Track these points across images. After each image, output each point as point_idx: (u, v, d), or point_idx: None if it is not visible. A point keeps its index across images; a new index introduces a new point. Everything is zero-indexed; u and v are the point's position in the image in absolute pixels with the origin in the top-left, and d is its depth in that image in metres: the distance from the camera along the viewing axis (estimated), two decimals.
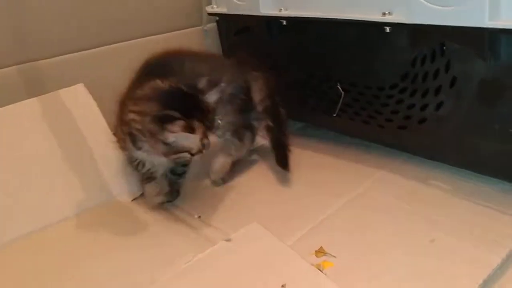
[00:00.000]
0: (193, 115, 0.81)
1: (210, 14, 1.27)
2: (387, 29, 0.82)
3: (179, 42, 1.34)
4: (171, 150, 0.82)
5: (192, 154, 0.83)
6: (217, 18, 1.25)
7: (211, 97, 0.85)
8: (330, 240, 0.79)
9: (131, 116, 0.83)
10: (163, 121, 0.78)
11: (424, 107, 0.85)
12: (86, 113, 1.12)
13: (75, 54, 1.21)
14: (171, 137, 0.80)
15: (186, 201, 0.99)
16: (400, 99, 0.88)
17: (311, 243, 0.79)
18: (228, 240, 0.82)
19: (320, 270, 0.74)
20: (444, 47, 0.77)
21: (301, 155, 1.11)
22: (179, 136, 0.80)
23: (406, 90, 0.86)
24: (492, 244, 0.72)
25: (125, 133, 0.87)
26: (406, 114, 0.89)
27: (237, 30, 1.20)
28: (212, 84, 0.85)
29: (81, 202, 1.00)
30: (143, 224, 0.93)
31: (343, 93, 0.97)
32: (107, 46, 1.26)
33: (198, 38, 1.41)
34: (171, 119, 0.78)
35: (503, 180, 0.82)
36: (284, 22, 1.03)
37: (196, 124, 0.81)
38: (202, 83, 0.85)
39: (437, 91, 0.81)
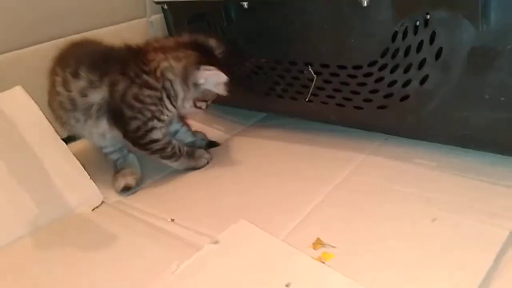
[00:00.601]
0: (219, 67, 0.91)
1: (156, 2, 1.18)
2: (364, 3, 0.78)
3: (122, 36, 1.25)
4: (199, 95, 0.94)
5: (207, 105, 0.97)
6: (165, 6, 1.16)
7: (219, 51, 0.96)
8: (325, 230, 0.74)
9: (164, 64, 0.91)
10: (201, 63, 0.89)
11: (406, 83, 0.82)
12: (28, 118, 1.00)
13: (8, 54, 1.09)
14: (202, 79, 0.90)
15: (150, 203, 0.92)
16: (380, 77, 0.84)
17: (304, 236, 0.74)
18: (216, 242, 0.74)
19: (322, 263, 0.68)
20: (428, 18, 0.73)
21: (270, 146, 1.06)
22: (209, 80, 0.91)
23: (386, 66, 0.83)
24: (496, 217, 0.70)
25: (159, 88, 0.91)
26: (386, 93, 0.85)
27: (189, 18, 1.11)
28: (220, 45, 0.96)
29: (34, 219, 0.89)
30: (111, 235, 0.84)
31: (315, 76, 0.92)
32: (43, 44, 1.13)
33: (143, 31, 1.32)
34: (208, 63, 0.89)
35: (492, 152, 0.80)
36: (246, 5, 0.96)
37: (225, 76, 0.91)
38: (211, 41, 0.96)
39: (421, 64, 0.78)
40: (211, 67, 0.89)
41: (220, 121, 1.24)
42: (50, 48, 1.12)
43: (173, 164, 0.99)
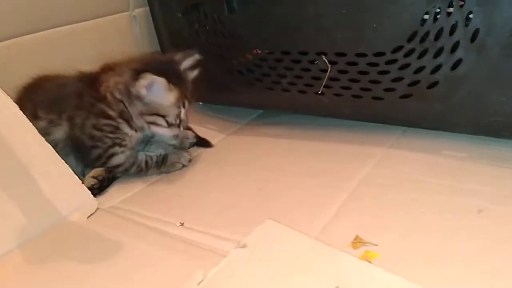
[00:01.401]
0: (170, 77, 0.84)
1: None
2: None
3: (103, 31, 1.16)
4: (145, 108, 0.85)
5: (168, 124, 0.87)
6: None
7: (187, 64, 0.90)
8: (360, 228, 0.68)
9: (111, 82, 0.85)
10: (138, 73, 0.82)
11: (436, 69, 0.77)
12: (6, 118, 0.88)
13: None
14: (142, 88, 0.83)
15: (150, 207, 0.83)
16: (405, 63, 0.79)
17: (339, 235, 0.67)
18: (243, 246, 0.66)
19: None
20: None
21: (273, 144, 1.00)
22: (152, 89, 0.83)
23: (413, 52, 0.78)
24: None
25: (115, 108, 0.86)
26: (412, 80, 0.80)
27: (184, 9, 1.03)
28: (187, 54, 0.90)
29: (22, 230, 0.78)
30: (115, 243, 0.74)
31: (329, 66, 0.86)
32: (20, 38, 1.02)
33: (125, 26, 1.22)
34: (146, 71, 0.81)
35: None
36: None
37: (172, 86, 0.84)
38: (178, 55, 0.90)
39: (454, 48, 0.73)
40: (148, 74, 0.81)
41: (213, 121, 1.17)
42: (28, 42, 1.03)
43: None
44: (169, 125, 0.88)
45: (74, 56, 1.09)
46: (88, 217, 0.83)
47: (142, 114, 0.86)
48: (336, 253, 0.63)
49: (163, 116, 0.87)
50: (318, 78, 0.90)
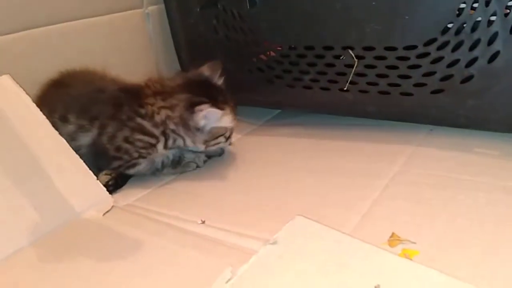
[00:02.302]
0: (216, 97, 0.85)
1: None
2: None
3: (116, 27, 1.14)
4: (208, 136, 0.86)
5: (227, 138, 0.88)
6: None
7: (218, 80, 0.90)
8: (396, 225, 0.65)
9: (164, 113, 0.84)
10: (192, 106, 0.82)
11: (471, 62, 0.74)
12: (20, 112, 0.86)
13: None
14: (201, 120, 0.83)
15: (168, 205, 0.79)
16: (438, 56, 0.76)
17: (373, 232, 0.64)
18: (273, 242, 0.62)
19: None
20: None
21: (293, 143, 0.98)
22: (209, 118, 0.83)
23: (448, 44, 0.75)
24: None
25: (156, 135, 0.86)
26: (444, 74, 0.77)
27: (202, 4, 1.00)
28: (215, 68, 0.90)
29: (36, 227, 0.74)
30: (135, 241, 0.70)
31: (356, 60, 0.83)
32: (34, 29, 0.99)
33: (138, 23, 1.19)
34: (199, 102, 0.81)
35: None
36: None
37: (221, 103, 0.85)
38: (205, 70, 0.89)
39: (492, 40, 0.70)
40: (203, 106, 0.82)
41: None
42: (42, 35, 1.00)
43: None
44: (227, 139, 0.89)
45: (86, 50, 1.06)
46: (104, 214, 0.78)
47: (206, 141, 0.86)
48: (374, 250, 0.59)
49: (224, 135, 0.87)
50: (343, 74, 0.87)
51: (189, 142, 0.86)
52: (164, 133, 0.86)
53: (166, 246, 0.68)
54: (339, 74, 0.88)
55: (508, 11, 0.69)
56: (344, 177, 0.79)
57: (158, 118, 0.85)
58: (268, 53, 0.97)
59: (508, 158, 0.76)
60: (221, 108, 0.83)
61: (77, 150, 0.84)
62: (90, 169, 0.83)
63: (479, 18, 0.71)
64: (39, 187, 0.78)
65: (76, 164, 0.83)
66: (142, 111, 0.85)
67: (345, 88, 0.87)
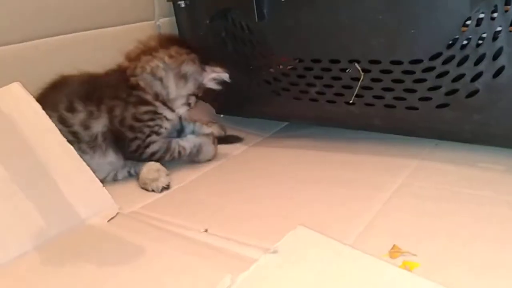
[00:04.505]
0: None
1: (173, 0, 1.08)
2: None
3: (127, 38, 1.15)
4: (189, 90, 0.91)
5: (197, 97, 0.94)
6: (182, 4, 1.06)
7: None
8: (397, 238, 0.64)
9: (153, 64, 0.89)
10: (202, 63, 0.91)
11: (476, 77, 0.74)
12: (29, 118, 0.87)
13: (6, 47, 0.97)
14: (187, 69, 0.89)
15: (172, 213, 0.80)
16: (444, 71, 0.77)
17: (375, 244, 0.64)
18: (274, 251, 0.62)
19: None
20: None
21: (299, 155, 0.98)
22: (194, 71, 0.90)
23: (453, 59, 0.75)
24: None
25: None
26: (450, 89, 0.77)
27: (212, 16, 1.01)
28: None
29: (40, 232, 0.75)
30: (138, 247, 0.71)
31: (362, 74, 0.83)
32: (47, 39, 1.02)
33: (149, 34, 1.21)
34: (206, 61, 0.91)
35: None
36: None
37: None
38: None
39: (497, 55, 0.71)
40: (217, 68, 0.92)
41: (234, 133, 1.14)
42: (54, 44, 1.02)
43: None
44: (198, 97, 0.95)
45: (97, 60, 1.07)
46: (109, 221, 0.79)
47: (190, 95, 0.92)
48: (374, 261, 0.59)
49: (195, 96, 0.94)
50: (349, 87, 0.88)
51: (173, 94, 0.90)
52: (155, 96, 0.89)
53: (168, 253, 0.69)
54: (345, 87, 0.88)
55: None
56: (348, 189, 0.80)
57: (145, 74, 0.89)
58: (277, 65, 0.98)
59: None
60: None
61: (94, 140, 0.88)
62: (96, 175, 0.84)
63: (484, 34, 0.71)
64: (45, 193, 0.79)
65: (82, 170, 0.84)
66: (132, 81, 0.89)
67: (351, 101, 0.87)
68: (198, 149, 0.96)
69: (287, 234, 0.65)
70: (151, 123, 0.90)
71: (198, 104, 0.99)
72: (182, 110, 0.94)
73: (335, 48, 0.87)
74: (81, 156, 0.85)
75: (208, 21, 1.03)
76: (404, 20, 0.78)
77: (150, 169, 0.90)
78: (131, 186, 0.92)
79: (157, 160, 0.92)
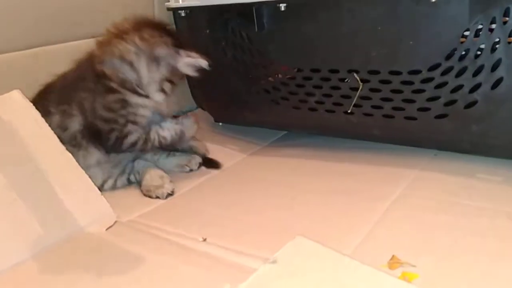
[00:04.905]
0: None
1: (173, 9, 1.08)
2: None
3: None
4: (169, 74, 0.87)
5: (174, 83, 0.89)
6: (182, 14, 1.06)
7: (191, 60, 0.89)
8: (396, 248, 0.65)
9: (122, 47, 0.85)
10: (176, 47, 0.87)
11: (475, 88, 0.75)
12: (28, 126, 0.87)
13: (6, 55, 0.98)
14: (184, 64, 0.86)
15: (170, 222, 0.80)
16: (442, 82, 0.77)
17: (374, 254, 0.64)
18: (273, 261, 0.62)
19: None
20: (510, 12, 0.67)
21: (298, 164, 0.98)
22: (166, 55, 0.86)
23: (451, 70, 0.76)
24: None
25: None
26: (448, 99, 0.78)
27: (212, 26, 1.02)
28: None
29: (38, 240, 0.75)
30: (135, 256, 0.71)
31: (361, 84, 0.84)
32: (46, 47, 1.02)
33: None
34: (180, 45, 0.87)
35: None
36: (283, 7, 0.88)
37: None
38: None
39: (495, 66, 0.71)
40: (193, 54, 0.87)
41: (233, 141, 1.15)
42: (54, 52, 1.02)
43: None
44: (174, 83, 0.91)
45: None
46: (107, 229, 0.79)
47: (164, 80, 0.88)
48: (373, 272, 0.59)
49: (173, 82, 0.90)
50: (348, 97, 0.88)
51: (145, 78, 0.87)
52: (122, 82, 0.85)
53: (166, 262, 0.69)
54: (344, 97, 0.89)
55: None
56: (347, 199, 0.80)
57: (114, 59, 0.85)
58: (276, 75, 0.98)
59: (510, 185, 0.75)
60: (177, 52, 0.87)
61: (73, 139, 0.86)
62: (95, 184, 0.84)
63: (483, 45, 0.71)
64: (44, 201, 0.79)
65: (81, 179, 0.84)
66: (98, 69, 0.85)
67: (349, 111, 0.88)
68: (180, 136, 0.94)
69: (286, 244, 0.65)
70: (123, 111, 0.86)
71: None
72: (158, 97, 0.89)
73: (335, 58, 0.88)
74: None
75: (208, 31, 1.03)
76: (403, 31, 0.78)
77: (154, 175, 0.90)
78: (130, 194, 0.92)
79: (139, 151, 0.92)
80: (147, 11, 1.19)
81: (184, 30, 1.10)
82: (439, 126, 0.80)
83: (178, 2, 1.07)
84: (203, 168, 1.00)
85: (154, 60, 0.86)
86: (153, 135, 0.90)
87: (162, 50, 0.86)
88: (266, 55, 0.97)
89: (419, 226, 0.69)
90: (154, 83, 0.88)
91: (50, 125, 0.85)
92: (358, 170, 0.90)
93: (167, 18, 1.20)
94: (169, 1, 1.11)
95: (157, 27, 0.89)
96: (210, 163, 1.01)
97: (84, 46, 1.07)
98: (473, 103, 0.76)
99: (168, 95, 0.91)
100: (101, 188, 0.88)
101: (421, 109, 0.81)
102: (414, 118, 0.82)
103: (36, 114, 0.88)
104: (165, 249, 0.72)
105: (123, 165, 0.94)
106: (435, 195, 0.76)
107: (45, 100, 0.88)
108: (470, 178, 0.79)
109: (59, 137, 0.84)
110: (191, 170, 0.96)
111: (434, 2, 0.72)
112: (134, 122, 0.88)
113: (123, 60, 0.85)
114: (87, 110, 0.86)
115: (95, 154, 0.89)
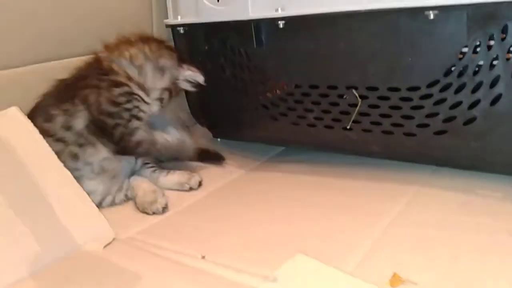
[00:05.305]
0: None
1: (171, 26, 1.09)
2: (431, 15, 0.71)
3: None
4: (164, 84, 0.92)
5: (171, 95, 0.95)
6: (181, 31, 1.07)
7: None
8: (397, 266, 0.64)
9: (132, 51, 0.91)
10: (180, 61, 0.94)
11: (473, 105, 0.75)
12: (26, 143, 0.87)
13: (5, 71, 0.97)
14: (165, 62, 0.92)
15: (168, 239, 0.79)
16: (441, 98, 0.77)
17: (375, 272, 0.64)
18: (273, 280, 0.62)
19: None
20: (508, 30, 0.67)
21: (297, 180, 0.98)
22: (171, 66, 0.93)
23: (450, 86, 0.76)
24: None
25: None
26: (447, 116, 0.78)
27: (210, 42, 1.02)
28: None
29: (36, 258, 0.74)
30: (134, 274, 0.70)
31: (360, 100, 0.84)
32: (44, 64, 1.02)
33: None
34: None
35: None
36: (281, 25, 0.89)
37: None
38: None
39: (494, 83, 0.71)
40: (193, 68, 0.94)
41: (232, 157, 1.14)
42: (52, 68, 1.02)
43: None
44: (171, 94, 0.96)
45: None
46: (105, 247, 0.78)
47: (164, 89, 0.93)
48: None
49: (168, 91, 0.95)
50: (346, 113, 0.88)
51: (148, 83, 0.91)
52: (129, 78, 0.89)
53: (165, 280, 0.68)
54: (343, 113, 0.89)
55: (510, 55, 0.70)
56: (347, 215, 0.79)
57: (123, 59, 0.90)
58: (274, 91, 0.98)
59: (510, 201, 0.75)
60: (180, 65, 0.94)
61: (80, 137, 0.87)
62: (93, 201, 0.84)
63: (481, 62, 0.72)
64: (41, 218, 0.78)
65: (79, 196, 0.84)
66: (104, 71, 0.89)
67: (348, 127, 0.88)
68: (181, 145, 0.97)
69: (286, 262, 0.65)
70: (128, 105, 0.89)
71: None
72: (155, 105, 0.93)
73: (333, 75, 0.88)
74: (73, 162, 0.86)
75: (206, 47, 1.03)
76: (401, 48, 0.78)
77: (146, 191, 0.90)
78: (128, 210, 0.91)
79: (144, 154, 0.94)
80: (145, 27, 1.18)
81: (182, 47, 1.10)
82: (438, 142, 0.80)
83: (177, 19, 1.08)
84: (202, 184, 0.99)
85: (160, 69, 0.92)
86: (158, 137, 0.93)
87: (168, 61, 0.93)
88: (264, 71, 0.97)
89: (420, 243, 0.68)
90: (156, 90, 0.92)
91: (54, 128, 0.87)
92: (358, 186, 0.89)
93: (166, 35, 1.20)
94: (167, 18, 1.11)
95: (161, 42, 0.96)
96: (210, 157, 1.06)
97: (79, 63, 1.08)
98: (472, 119, 0.76)
99: (164, 106, 0.95)
100: (99, 205, 0.88)
101: (420, 125, 0.81)
102: (413, 135, 0.82)
103: (34, 130, 0.88)
104: (163, 267, 0.71)
105: (121, 179, 0.94)
106: (435, 212, 0.76)
107: (45, 107, 0.89)
108: (470, 194, 0.79)
109: (64, 140, 0.87)
110: (191, 189, 0.95)
111: (432, 19, 0.72)
112: (138, 117, 0.90)
113: (132, 63, 0.90)
114: (92, 104, 0.87)
115: (102, 151, 0.89)
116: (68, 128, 0.87)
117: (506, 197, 0.77)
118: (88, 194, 0.84)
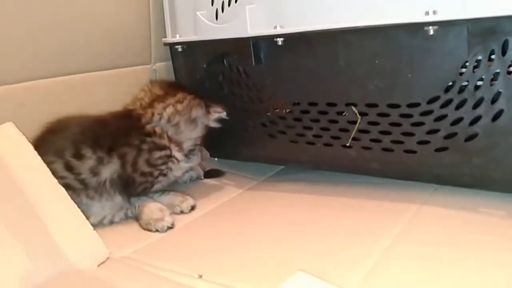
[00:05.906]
0: None
1: (170, 44, 1.09)
2: (431, 31, 0.71)
3: (123, 82, 1.15)
4: (199, 132, 0.96)
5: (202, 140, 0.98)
6: (180, 49, 1.07)
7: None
8: (399, 284, 0.63)
9: (168, 111, 0.92)
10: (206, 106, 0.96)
11: (475, 121, 0.74)
12: (20, 159, 0.85)
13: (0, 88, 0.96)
14: (197, 113, 0.94)
15: (164, 258, 0.77)
16: (442, 114, 0.76)
17: None
18: None
19: None
20: (509, 45, 0.67)
21: (295, 199, 0.96)
22: (202, 115, 0.95)
23: (451, 103, 0.75)
24: None
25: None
26: (448, 132, 0.77)
27: (209, 60, 1.02)
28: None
29: (27, 277, 0.71)
30: None
31: (359, 117, 0.83)
32: (40, 80, 1.01)
33: (146, 78, 1.21)
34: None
35: None
36: (280, 42, 0.88)
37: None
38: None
39: (495, 98, 0.71)
40: (218, 109, 0.96)
41: (229, 176, 1.13)
42: (48, 85, 1.01)
43: None
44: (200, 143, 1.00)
45: (92, 103, 1.06)
46: (99, 265, 0.76)
47: (199, 137, 0.96)
48: None
49: (200, 138, 0.98)
50: (346, 130, 0.87)
51: (184, 136, 0.93)
52: (170, 140, 0.91)
53: None
54: (342, 130, 0.88)
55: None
56: (348, 234, 0.78)
57: (163, 121, 0.91)
58: (273, 109, 0.97)
59: None
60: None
61: (101, 185, 0.87)
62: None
63: (482, 77, 0.71)
64: (34, 236, 0.76)
65: (73, 214, 0.82)
66: (148, 129, 0.90)
67: (347, 144, 0.87)
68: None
69: (287, 280, 0.63)
70: (163, 167, 0.92)
71: None
72: (183, 165, 0.96)
73: (332, 92, 0.87)
74: (88, 202, 0.86)
75: (205, 65, 1.03)
76: (400, 64, 0.78)
77: (153, 209, 0.89)
78: (125, 229, 0.89)
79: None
80: (144, 46, 1.19)
81: (181, 65, 1.10)
82: (439, 160, 0.79)
83: (175, 37, 1.08)
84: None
85: (192, 121, 0.94)
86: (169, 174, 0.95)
87: (198, 112, 0.94)
88: (263, 89, 0.96)
89: (422, 262, 0.67)
90: (190, 140, 0.95)
91: (80, 168, 0.86)
92: (358, 204, 0.88)
93: (164, 54, 1.20)
94: (166, 37, 1.11)
95: (183, 89, 0.97)
96: (211, 174, 1.08)
97: (80, 80, 1.08)
98: (474, 135, 0.75)
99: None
100: (99, 223, 0.87)
101: (421, 142, 0.80)
102: (414, 152, 0.81)
103: (29, 146, 0.86)
104: (159, 286, 0.69)
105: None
106: (438, 230, 0.74)
107: (75, 142, 0.87)
108: (472, 212, 0.78)
109: (84, 181, 0.86)
110: (182, 212, 0.94)
111: (432, 34, 0.71)
112: (165, 175, 0.93)
113: (169, 122, 0.92)
114: (128, 162, 0.88)
115: (116, 199, 0.90)
116: (95, 174, 0.86)
117: (509, 215, 0.75)
118: (88, 215, 0.82)
